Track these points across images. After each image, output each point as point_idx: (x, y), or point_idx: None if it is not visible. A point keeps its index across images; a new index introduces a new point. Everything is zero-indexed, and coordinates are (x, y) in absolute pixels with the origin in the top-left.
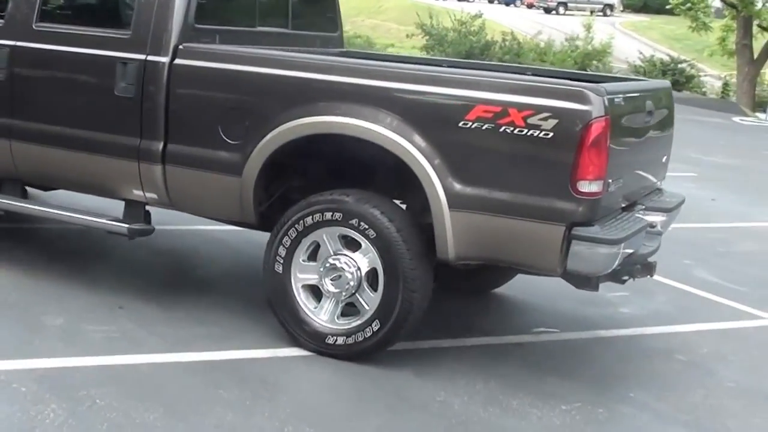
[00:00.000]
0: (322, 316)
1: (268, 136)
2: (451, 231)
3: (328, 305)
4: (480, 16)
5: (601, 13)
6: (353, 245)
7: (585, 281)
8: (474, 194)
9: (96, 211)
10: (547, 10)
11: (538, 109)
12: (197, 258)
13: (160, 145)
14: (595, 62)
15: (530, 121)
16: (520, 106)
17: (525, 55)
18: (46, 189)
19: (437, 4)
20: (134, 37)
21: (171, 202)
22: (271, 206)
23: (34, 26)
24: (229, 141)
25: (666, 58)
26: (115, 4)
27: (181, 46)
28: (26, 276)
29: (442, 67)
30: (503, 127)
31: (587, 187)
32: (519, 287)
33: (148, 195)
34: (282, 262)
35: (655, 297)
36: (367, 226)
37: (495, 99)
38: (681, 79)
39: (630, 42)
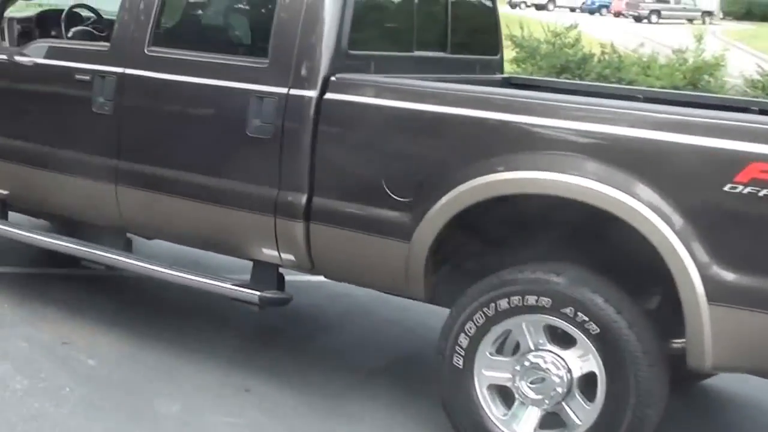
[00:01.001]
0: (515, 427)
1: (450, 195)
2: (710, 332)
3: (523, 414)
4: (575, 27)
5: (699, 21)
6: (563, 340)
7: None
8: (745, 284)
9: (216, 272)
10: (638, 19)
11: None
12: (326, 320)
13: (303, 198)
14: (706, 77)
15: None
16: None
17: (627, 69)
18: (149, 237)
19: (512, 13)
20: (273, 66)
21: (313, 266)
22: (440, 275)
23: (146, 51)
24: (396, 197)
25: None
26: (247, 25)
27: (333, 78)
28: (130, 344)
29: (637, 99)
30: None
31: None
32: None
33: (284, 256)
34: (463, 354)
35: None
36: (586, 318)
37: None
38: None
39: (736, 53)
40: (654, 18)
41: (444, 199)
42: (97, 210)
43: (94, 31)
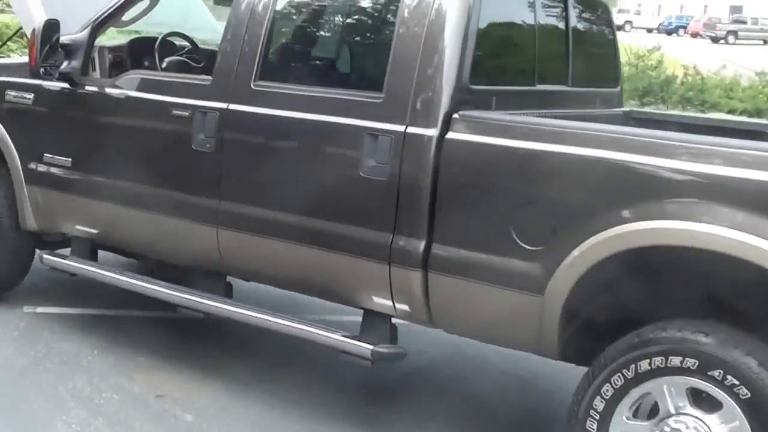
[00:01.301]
0: None
1: (586, 244)
2: None
3: None
4: (658, 49)
5: None
6: (707, 404)
7: None
8: None
9: (317, 313)
10: (715, 40)
11: None
12: (435, 372)
13: (422, 245)
14: None
15: None
16: None
17: (710, 92)
18: (249, 280)
19: None
20: (388, 102)
21: (430, 319)
22: (572, 330)
23: (252, 85)
24: (525, 246)
25: None
26: (361, 57)
27: (455, 115)
28: (229, 396)
29: None
30: None
31: None
32: None
33: (399, 307)
34: (598, 418)
35: None
36: (736, 382)
37: None
38: None
39: None
40: (731, 39)
41: (579, 250)
42: (196, 252)
43: (190, 62)
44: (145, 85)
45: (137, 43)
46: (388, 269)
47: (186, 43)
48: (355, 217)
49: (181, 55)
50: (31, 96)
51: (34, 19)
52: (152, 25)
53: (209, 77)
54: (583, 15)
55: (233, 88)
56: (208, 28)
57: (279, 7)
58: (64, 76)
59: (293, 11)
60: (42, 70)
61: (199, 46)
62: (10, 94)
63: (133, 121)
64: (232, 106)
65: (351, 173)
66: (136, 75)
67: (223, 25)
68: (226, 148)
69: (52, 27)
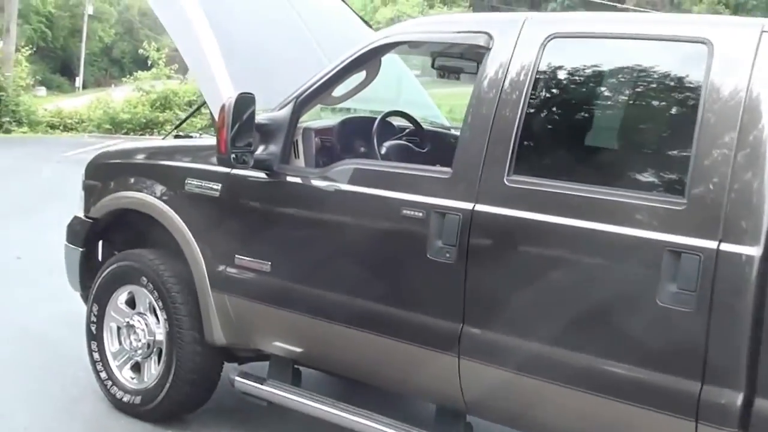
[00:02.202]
0: None
1: None
2: None
3: None
4: None
5: None
6: None
7: None
8: None
9: None
10: None
11: None
12: None
13: (740, 399)
14: None
15: None
16: None
17: None
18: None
19: None
20: (693, 211)
21: None
22: None
23: (505, 181)
24: None
25: None
26: (650, 151)
27: None
28: None
29: None
30: None
31: None
32: None
33: None
34: None
35: None
36: None
37: None
38: None
39: None
40: None
41: None
42: (428, 385)
43: (414, 147)
44: (364, 177)
45: (349, 124)
46: (695, 428)
47: (407, 123)
48: (649, 357)
49: (400, 138)
50: (218, 186)
51: (222, 93)
52: (360, 102)
53: (448, 169)
54: None
55: (481, 184)
56: (422, 104)
57: (538, 84)
58: (260, 164)
59: (557, 88)
60: (233, 157)
61: (423, 126)
62: (192, 183)
63: (349, 221)
64: (480, 207)
65: (643, 300)
66: (351, 164)
67: (425, 96)
68: (472, 260)
69: (245, 103)
